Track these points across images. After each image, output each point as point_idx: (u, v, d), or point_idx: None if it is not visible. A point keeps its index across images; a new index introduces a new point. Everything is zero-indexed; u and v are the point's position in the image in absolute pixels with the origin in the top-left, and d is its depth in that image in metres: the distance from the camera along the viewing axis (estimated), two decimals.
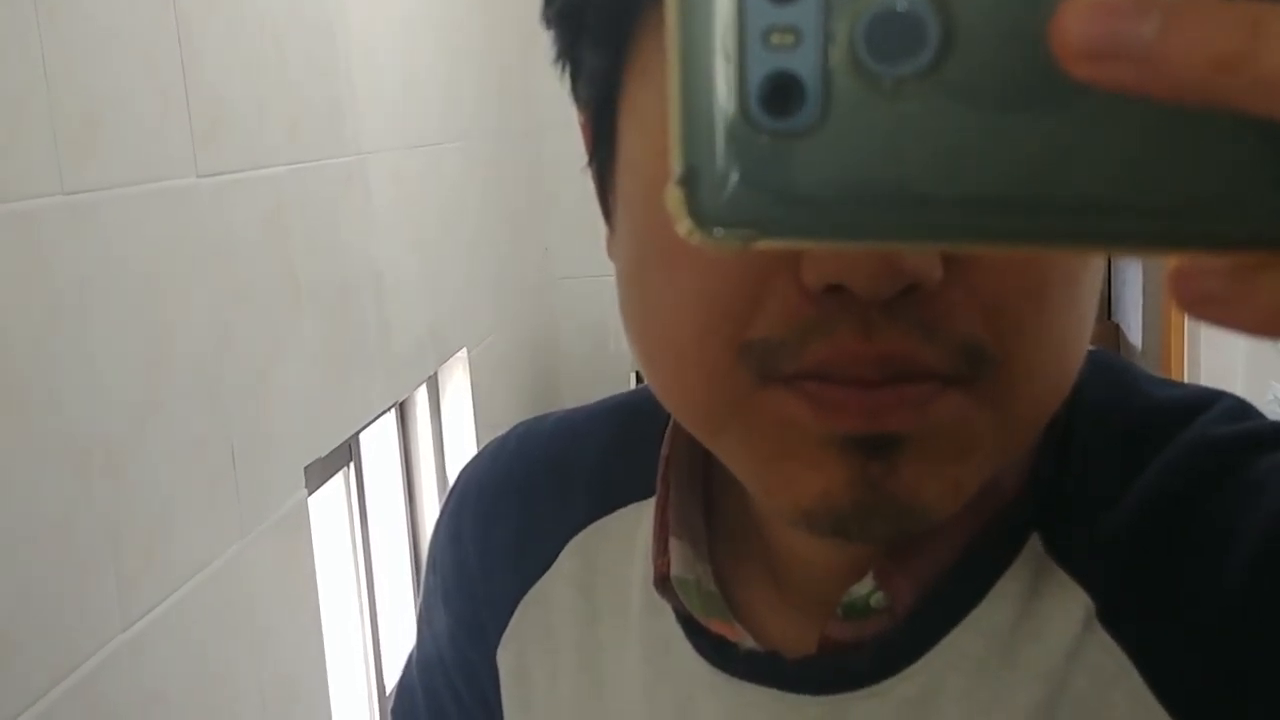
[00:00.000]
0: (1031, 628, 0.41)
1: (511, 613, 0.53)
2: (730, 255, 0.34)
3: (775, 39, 0.20)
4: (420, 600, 0.60)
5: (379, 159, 1.87)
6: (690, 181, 0.21)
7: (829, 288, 0.34)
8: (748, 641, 0.45)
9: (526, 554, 0.53)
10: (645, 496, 0.50)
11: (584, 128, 0.42)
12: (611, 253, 0.42)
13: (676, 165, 0.21)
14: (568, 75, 0.42)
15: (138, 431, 1.13)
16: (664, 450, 0.48)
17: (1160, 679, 0.39)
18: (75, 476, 1.03)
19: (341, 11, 1.74)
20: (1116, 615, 0.40)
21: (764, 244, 0.21)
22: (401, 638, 2.10)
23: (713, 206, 0.21)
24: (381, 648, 1.91)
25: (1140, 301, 3.05)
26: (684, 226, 0.21)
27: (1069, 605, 0.41)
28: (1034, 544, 0.42)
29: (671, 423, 0.48)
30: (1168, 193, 0.20)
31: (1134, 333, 3.12)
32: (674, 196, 0.21)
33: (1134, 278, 3.06)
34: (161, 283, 1.18)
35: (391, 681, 1.94)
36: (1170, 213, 0.20)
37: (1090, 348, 0.40)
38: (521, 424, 0.59)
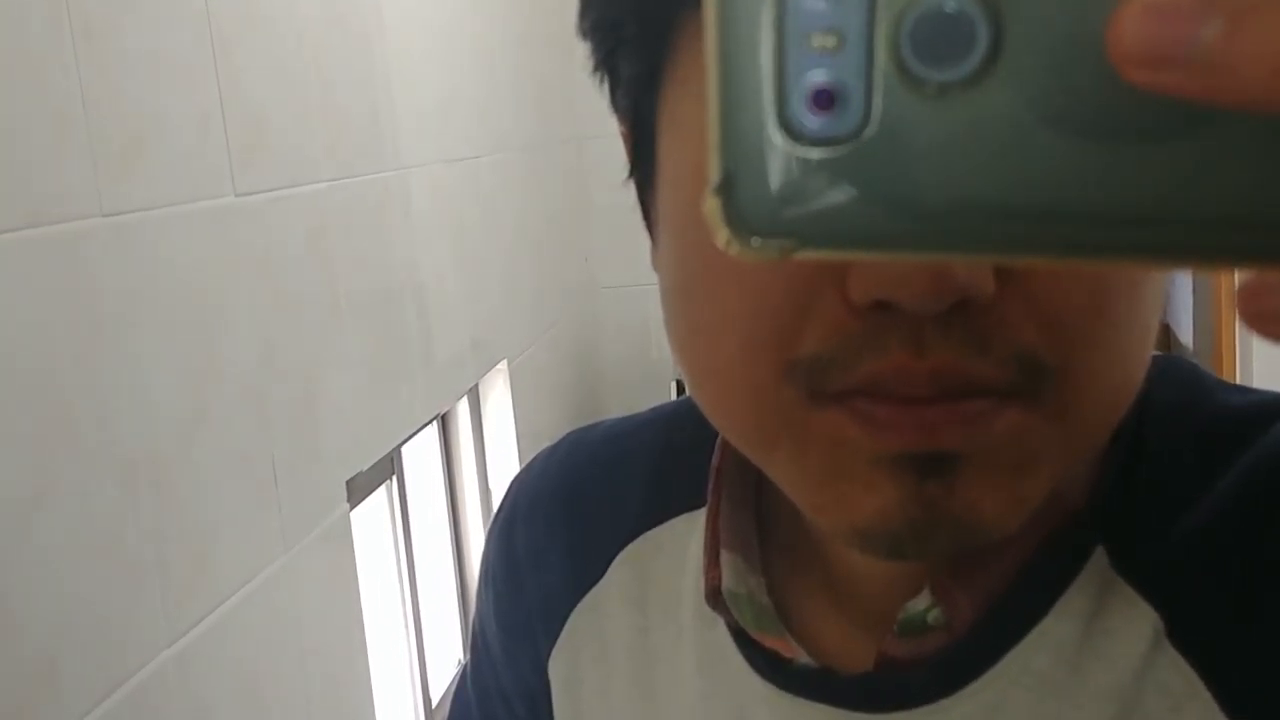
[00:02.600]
0: (1097, 645, 0.40)
1: (563, 623, 0.52)
2: (769, 265, 0.33)
3: (817, 41, 0.19)
4: (474, 611, 0.60)
5: (419, 173, 1.88)
6: (728, 190, 0.20)
7: (877, 303, 0.33)
8: (801, 657, 0.44)
9: (578, 564, 0.53)
10: (696, 507, 0.49)
11: (624, 138, 0.42)
12: (655, 265, 0.41)
13: (714, 173, 0.20)
14: (606, 86, 0.41)
15: (183, 448, 1.13)
16: (715, 461, 0.48)
17: (1233, 700, 0.38)
18: (122, 492, 1.03)
19: (379, 26, 1.75)
20: (1187, 632, 0.39)
21: (803, 254, 0.20)
22: (446, 650, 2.11)
23: (751, 215, 0.20)
24: (426, 660, 1.91)
25: (1191, 303, 3.01)
26: (721, 236, 0.20)
27: (1136, 622, 0.39)
28: (1099, 558, 0.41)
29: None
30: (1233, 204, 0.18)
31: (1185, 334, 3.07)
32: (711, 205, 0.20)
33: (1184, 280, 3.01)
34: (205, 300, 1.19)
35: (437, 693, 1.95)
36: (1235, 225, 0.18)
37: (1156, 352, 0.39)
38: (572, 433, 0.59)
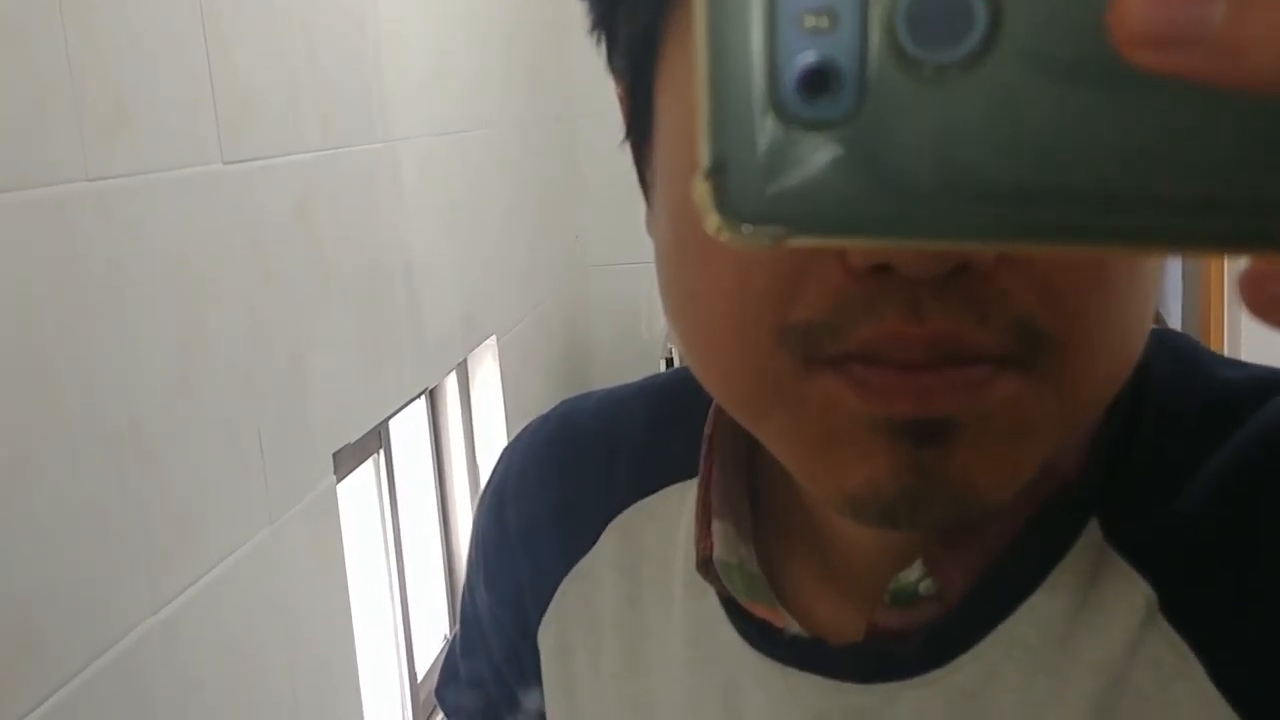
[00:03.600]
0: (1089, 618, 0.39)
1: (553, 592, 0.52)
2: (761, 253, 0.33)
3: (810, 22, 0.18)
4: (464, 579, 0.60)
5: (409, 145, 1.87)
6: (718, 174, 0.19)
7: (875, 267, 0.32)
8: (792, 626, 0.44)
9: (569, 533, 0.52)
10: (688, 476, 0.49)
11: (621, 101, 0.41)
12: (650, 230, 0.41)
13: (704, 157, 0.19)
14: (603, 46, 0.41)
15: (168, 416, 1.13)
16: (707, 429, 0.47)
17: (1225, 674, 0.37)
18: (106, 462, 1.03)
19: None
20: (1180, 606, 0.38)
21: (796, 241, 0.19)
22: (432, 623, 2.11)
23: (742, 201, 0.19)
24: (412, 633, 1.91)
25: (1180, 286, 3.01)
26: (712, 222, 0.19)
27: (1129, 595, 0.39)
28: (1093, 530, 0.40)
29: (715, 401, 0.47)
30: (1239, 189, 0.18)
31: (1174, 318, 3.08)
32: (701, 190, 0.19)
33: (1174, 265, 3.01)
34: (191, 269, 1.18)
35: (423, 667, 1.95)
36: (1241, 210, 0.18)
37: (1154, 326, 0.38)
38: (564, 402, 0.59)
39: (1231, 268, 0.19)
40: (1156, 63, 0.17)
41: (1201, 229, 0.18)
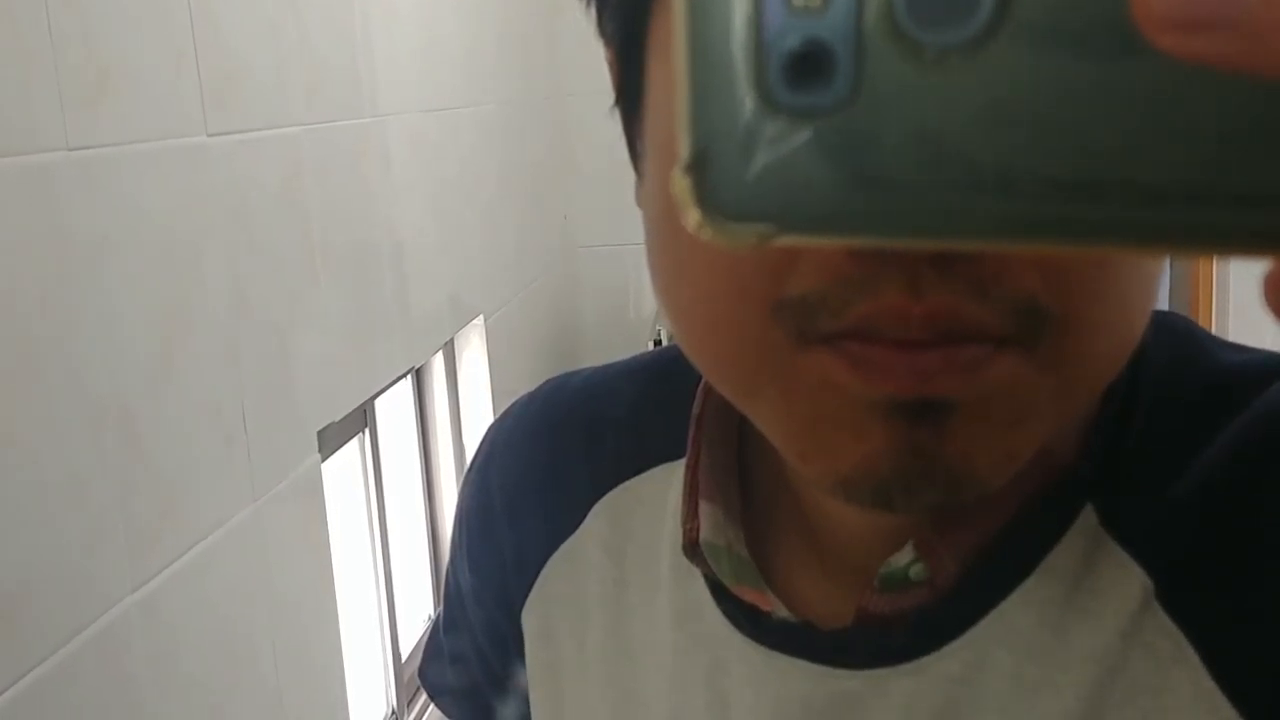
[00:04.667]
0: (1084, 605, 0.39)
1: (538, 573, 0.51)
2: (745, 252, 0.31)
3: (800, 1, 0.17)
4: (448, 557, 0.59)
5: (398, 121, 1.85)
6: (700, 167, 0.18)
7: None
8: (780, 610, 0.43)
9: (554, 513, 0.51)
10: (676, 457, 0.48)
11: (611, 66, 0.40)
12: (639, 201, 0.40)
13: (684, 148, 0.18)
14: (593, 10, 0.39)
15: (151, 392, 1.11)
16: (695, 409, 0.46)
17: (1222, 666, 0.37)
18: (87, 437, 1.01)
19: None
20: (1177, 595, 0.38)
21: (783, 240, 0.18)
22: (417, 604, 2.10)
23: (726, 196, 0.18)
24: (397, 614, 1.90)
25: (1168, 275, 3.02)
26: (692, 219, 0.18)
27: (1125, 583, 0.38)
28: (1088, 516, 0.40)
29: (703, 381, 0.46)
30: (1265, 186, 0.17)
31: (1161, 306, 3.10)
32: (680, 184, 0.18)
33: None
34: (175, 243, 1.17)
35: (406, 648, 1.94)
36: (1266, 208, 0.17)
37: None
38: (551, 380, 0.57)
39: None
40: (1183, 48, 0.16)
41: (1230, 226, 0.17)
